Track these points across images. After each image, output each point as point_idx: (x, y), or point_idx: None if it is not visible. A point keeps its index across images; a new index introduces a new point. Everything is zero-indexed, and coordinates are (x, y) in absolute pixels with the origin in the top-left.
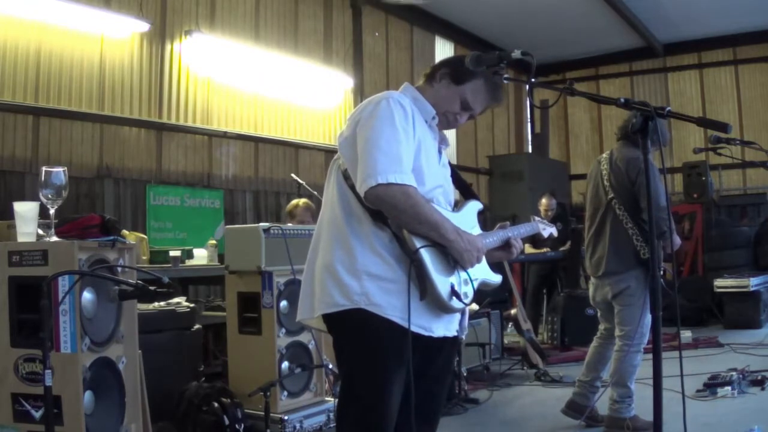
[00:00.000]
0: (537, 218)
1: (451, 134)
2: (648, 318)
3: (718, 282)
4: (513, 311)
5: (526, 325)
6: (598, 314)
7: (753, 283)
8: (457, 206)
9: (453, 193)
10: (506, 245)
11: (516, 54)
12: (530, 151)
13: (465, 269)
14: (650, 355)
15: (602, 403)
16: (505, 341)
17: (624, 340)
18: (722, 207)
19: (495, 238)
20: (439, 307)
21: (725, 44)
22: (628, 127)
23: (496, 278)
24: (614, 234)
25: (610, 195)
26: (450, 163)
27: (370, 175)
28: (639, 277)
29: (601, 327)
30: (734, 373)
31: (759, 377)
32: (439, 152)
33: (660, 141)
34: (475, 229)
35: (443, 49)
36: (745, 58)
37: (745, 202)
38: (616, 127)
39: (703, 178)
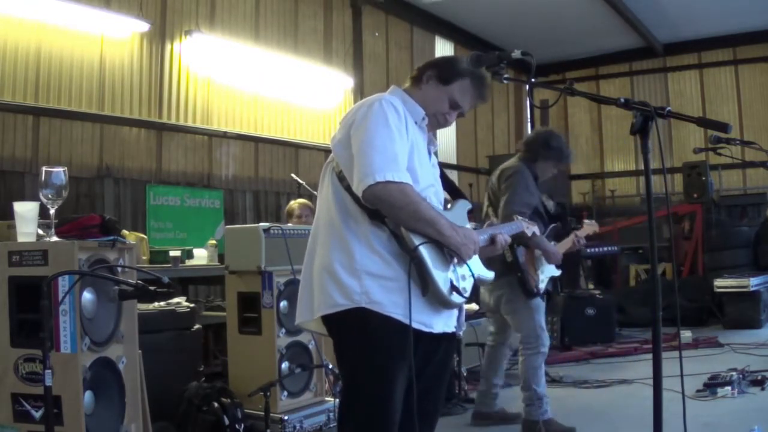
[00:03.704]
0: (519, 217)
1: (451, 134)
2: (540, 319)
3: (718, 282)
4: None
5: None
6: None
7: (753, 283)
8: (447, 205)
9: (442, 193)
10: (492, 241)
11: (516, 54)
12: None
13: (464, 263)
14: (650, 355)
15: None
16: None
17: (523, 346)
18: (722, 207)
19: (485, 235)
20: (440, 302)
21: (725, 44)
22: (528, 142)
23: (489, 274)
24: None
25: (486, 203)
26: (441, 165)
27: (367, 174)
28: (512, 283)
29: (491, 329)
30: (734, 373)
31: (759, 377)
32: (429, 152)
33: (556, 156)
34: (467, 227)
35: (443, 49)
36: (745, 58)
37: (745, 202)
38: (616, 127)
39: (703, 178)
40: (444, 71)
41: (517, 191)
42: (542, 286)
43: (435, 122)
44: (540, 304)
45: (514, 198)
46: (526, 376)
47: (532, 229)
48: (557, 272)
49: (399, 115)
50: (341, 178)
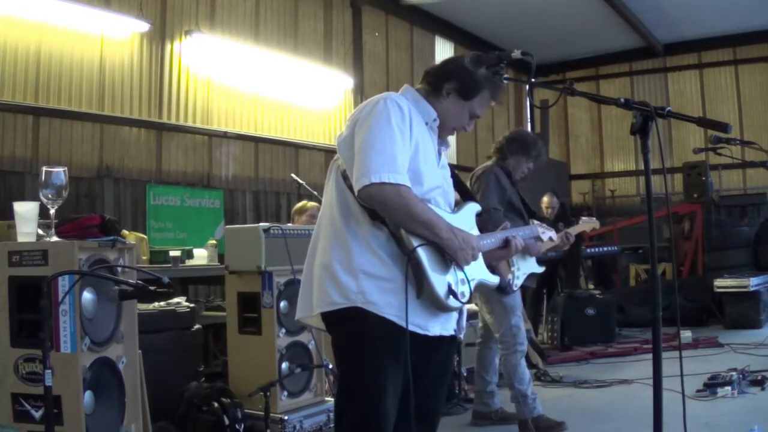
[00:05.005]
0: (536, 222)
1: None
2: (516, 319)
3: (718, 282)
4: None
5: (526, 325)
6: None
7: (753, 283)
8: (456, 208)
9: (453, 195)
10: (505, 244)
11: (516, 54)
12: None
13: (461, 268)
14: (650, 355)
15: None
16: None
17: (501, 345)
18: (722, 207)
19: (494, 239)
20: (436, 305)
21: (725, 44)
22: (496, 143)
23: (494, 279)
24: None
25: None
26: (450, 166)
27: (364, 174)
28: None
29: (479, 324)
30: (734, 373)
31: (759, 377)
32: (439, 154)
33: (520, 149)
34: (473, 231)
35: (443, 49)
36: (745, 58)
37: (745, 202)
38: (616, 127)
39: (703, 178)
40: (465, 87)
41: (489, 188)
42: (518, 282)
43: (452, 131)
44: (516, 302)
45: (487, 195)
46: (508, 375)
47: (548, 233)
48: (539, 269)
49: (403, 114)
50: (345, 176)
